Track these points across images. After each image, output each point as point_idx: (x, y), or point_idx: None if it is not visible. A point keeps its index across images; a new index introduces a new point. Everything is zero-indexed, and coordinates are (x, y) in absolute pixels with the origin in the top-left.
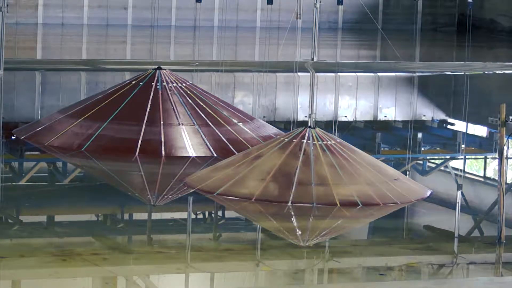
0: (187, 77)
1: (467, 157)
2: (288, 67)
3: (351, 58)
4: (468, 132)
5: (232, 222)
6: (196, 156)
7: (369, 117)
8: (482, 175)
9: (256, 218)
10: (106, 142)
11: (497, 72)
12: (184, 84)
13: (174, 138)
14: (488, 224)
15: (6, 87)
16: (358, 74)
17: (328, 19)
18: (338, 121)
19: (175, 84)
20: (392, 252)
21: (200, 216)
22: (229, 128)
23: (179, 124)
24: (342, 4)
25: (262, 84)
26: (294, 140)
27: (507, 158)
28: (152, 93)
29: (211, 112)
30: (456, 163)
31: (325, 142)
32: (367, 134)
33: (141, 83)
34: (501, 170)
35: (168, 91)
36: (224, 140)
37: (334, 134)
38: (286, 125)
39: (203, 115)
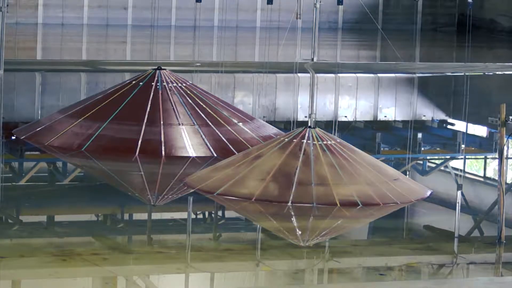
0: (187, 77)
1: (467, 157)
2: (288, 67)
3: (351, 58)
4: (468, 132)
5: (232, 222)
6: (196, 156)
7: (369, 117)
8: (482, 175)
9: (256, 218)
10: (106, 142)
11: (497, 73)
12: (184, 84)
13: (174, 138)
14: (488, 224)
15: (6, 87)
16: (358, 74)
17: (328, 19)
18: (338, 121)
19: (175, 84)
20: (392, 252)
21: (200, 216)
22: (229, 128)
23: (179, 124)
24: (342, 4)
25: (262, 84)
26: (294, 140)
27: (507, 158)
28: (152, 93)
29: (211, 112)
30: (456, 163)
31: (325, 142)
32: (367, 134)
33: (141, 83)
34: (501, 170)
35: (168, 91)
36: (224, 140)
37: (334, 134)
38: (286, 125)
39: (203, 115)
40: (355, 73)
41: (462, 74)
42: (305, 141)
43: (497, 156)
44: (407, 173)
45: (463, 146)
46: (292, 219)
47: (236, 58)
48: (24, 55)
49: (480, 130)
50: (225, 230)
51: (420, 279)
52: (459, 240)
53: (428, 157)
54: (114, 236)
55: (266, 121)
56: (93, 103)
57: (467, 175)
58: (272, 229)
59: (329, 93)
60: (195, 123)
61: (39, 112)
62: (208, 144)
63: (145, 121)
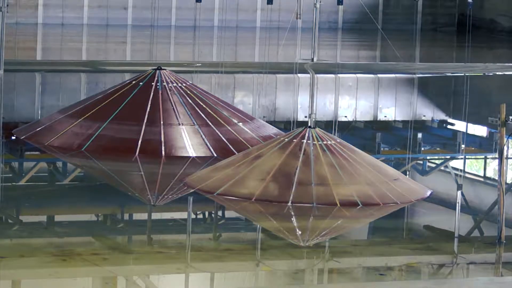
0: (187, 77)
1: (467, 157)
2: (288, 68)
3: (351, 59)
4: (468, 132)
5: (232, 222)
6: (196, 156)
7: (369, 117)
8: (482, 175)
9: (256, 218)
10: (106, 142)
11: (497, 73)
12: (184, 84)
13: (174, 138)
14: (488, 224)
15: (6, 87)
16: (358, 75)
17: (328, 19)
18: (338, 121)
19: (175, 84)
20: (392, 252)
21: (200, 216)
22: (229, 128)
23: (179, 124)
24: (342, 4)
25: (262, 84)
26: (294, 140)
27: (507, 158)
28: (152, 93)
29: (211, 112)
30: (456, 163)
31: (325, 142)
32: (367, 134)
33: (141, 83)
34: (501, 170)
35: (168, 91)
36: (224, 140)
37: (334, 134)
38: (286, 125)
39: (203, 115)
40: (355, 73)
41: (462, 74)
42: (305, 141)
43: (497, 156)
44: (407, 173)
45: (463, 146)
46: (292, 219)
47: (236, 58)
48: (24, 55)
49: (480, 130)
50: (225, 230)
51: (420, 279)
52: (459, 240)
53: (428, 157)
54: (114, 236)
55: (266, 121)
56: (93, 103)
57: (467, 175)
58: (272, 229)
59: (329, 93)
60: (195, 123)
61: (39, 112)
62: (208, 144)
63: (145, 121)
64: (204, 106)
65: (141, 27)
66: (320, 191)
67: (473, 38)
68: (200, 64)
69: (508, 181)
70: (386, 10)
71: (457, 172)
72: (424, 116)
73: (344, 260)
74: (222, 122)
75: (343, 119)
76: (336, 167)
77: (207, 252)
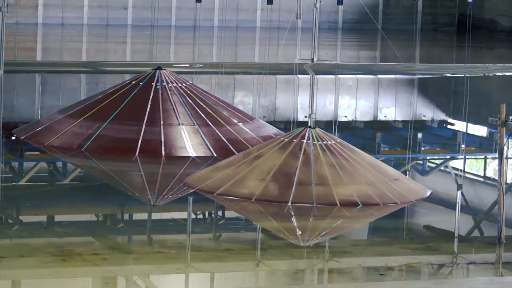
0: (187, 77)
1: (467, 157)
2: (288, 69)
3: (351, 59)
4: (468, 132)
5: (232, 222)
6: (196, 156)
7: (369, 117)
8: (482, 175)
9: (256, 218)
10: (106, 142)
11: (498, 74)
12: (184, 84)
13: (174, 138)
14: (488, 224)
15: (6, 87)
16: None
17: (328, 19)
18: (338, 121)
19: (175, 84)
20: (392, 252)
21: (200, 216)
22: (229, 128)
23: (179, 124)
24: (342, 4)
25: (262, 84)
26: (294, 140)
27: (507, 158)
28: (152, 93)
29: (211, 112)
30: (456, 163)
31: (325, 142)
32: (367, 134)
33: (141, 83)
34: (501, 170)
35: (168, 91)
36: (224, 140)
37: (334, 134)
38: (286, 125)
39: (203, 115)
40: (355, 74)
41: (463, 75)
42: (305, 141)
43: (497, 156)
44: (407, 173)
45: (463, 146)
46: (292, 219)
47: (236, 58)
48: (24, 55)
49: (480, 130)
50: (225, 230)
51: (420, 279)
52: (459, 240)
53: (428, 157)
54: (114, 236)
55: (266, 121)
56: (93, 103)
57: (467, 175)
58: (272, 229)
59: (329, 93)
60: (195, 123)
61: (39, 112)
62: (208, 144)
63: (145, 121)
64: (204, 106)
65: (141, 27)
66: (320, 191)
67: (473, 38)
68: (201, 65)
69: (508, 181)
70: (386, 10)
71: (457, 172)
72: (424, 116)
73: (344, 260)
74: (222, 122)
75: (343, 119)
76: (336, 167)
77: (207, 252)
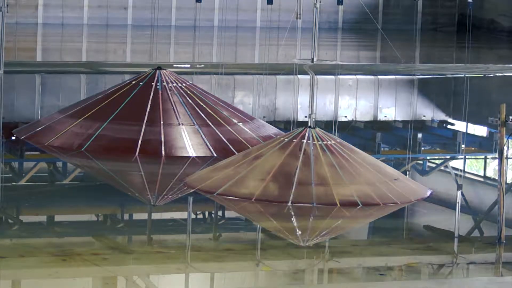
0: (187, 77)
1: (467, 157)
2: (288, 69)
3: (351, 59)
4: (468, 132)
5: (232, 222)
6: (196, 156)
7: (369, 117)
8: (482, 175)
9: (256, 218)
10: (106, 142)
11: (498, 74)
12: (184, 84)
13: (174, 138)
14: (488, 224)
15: (6, 87)
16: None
17: (328, 19)
18: (338, 121)
19: (175, 84)
20: (392, 252)
21: (200, 216)
22: (229, 128)
23: (179, 124)
24: (342, 4)
25: (262, 84)
26: (294, 140)
27: (507, 158)
28: (152, 93)
29: (211, 112)
30: (456, 163)
31: (325, 142)
32: (367, 134)
33: (141, 83)
34: (501, 170)
35: (168, 91)
36: (224, 140)
37: (334, 134)
38: (286, 125)
39: (203, 115)
40: (355, 75)
41: (463, 75)
42: (305, 141)
43: (497, 156)
44: (407, 173)
45: (463, 146)
46: (292, 219)
47: (236, 58)
48: (24, 55)
49: (480, 130)
50: (225, 230)
51: (420, 279)
52: (459, 240)
53: (428, 157)
54: (114, 236)
55: (266, 121)
56: (93, 103)
57: (467, 175)
58: (272, 229)
59: (329, 93)
60: (195, 123)
61: (39, 112)
62: (208, 144)
63: (145, 121)
64: (204, 106)
65: (141, 27)
66: (320, 191)
67: (473, 38)
68: (202, 65)
69: (508, 181)
70: (386, 10)
71: (457, 172)
72: (424, 116)
73: (344, 260)
74: (222, 122)
75: (343, 119)
76: (336, 167)
77: (207, 252)
